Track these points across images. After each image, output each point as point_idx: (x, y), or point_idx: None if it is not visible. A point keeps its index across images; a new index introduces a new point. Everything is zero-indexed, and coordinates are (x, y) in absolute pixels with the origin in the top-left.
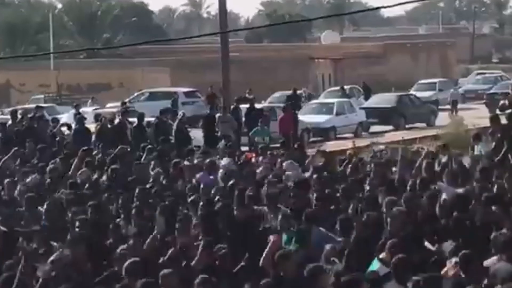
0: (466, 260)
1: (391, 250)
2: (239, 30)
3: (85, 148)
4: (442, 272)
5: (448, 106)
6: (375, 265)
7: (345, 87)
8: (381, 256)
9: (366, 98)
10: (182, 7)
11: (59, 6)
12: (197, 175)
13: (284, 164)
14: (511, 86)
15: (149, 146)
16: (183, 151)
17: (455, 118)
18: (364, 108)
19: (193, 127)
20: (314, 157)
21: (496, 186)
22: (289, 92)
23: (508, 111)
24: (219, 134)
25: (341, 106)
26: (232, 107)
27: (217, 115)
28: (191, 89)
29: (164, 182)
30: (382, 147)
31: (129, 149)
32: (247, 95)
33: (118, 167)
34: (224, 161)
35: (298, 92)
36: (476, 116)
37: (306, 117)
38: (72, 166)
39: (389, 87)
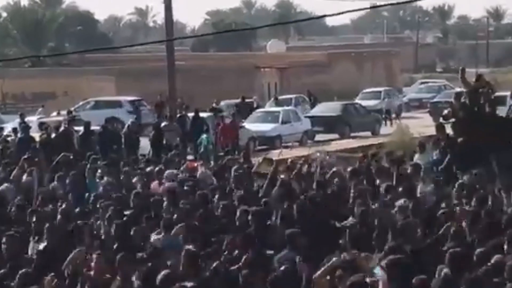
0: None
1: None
2: (184, 38)
3: (26, 156)
4: None
5: (393, 115)
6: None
7: (291, 96)
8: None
9: (313, 106)
10: (128, 16)
11: (4, 14)
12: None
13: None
14: (454, 95)
15: (94, 155)
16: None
17: (400, 127)
18: (309, 117)
19: (139, 136)
20: (260, 165)
21: None
22: (238, 101)
23: (452, 120)
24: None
25: (287, 115)
26: (178, 115)
27: (163, 123)
28: (136, 98)
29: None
30: (322, 155)
31: (71, 157)
32: (214, 104)
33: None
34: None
35: (248, 100)
36: (421, 124)
37: (252, 126)
38: (12, 174)
39: (335, 95)
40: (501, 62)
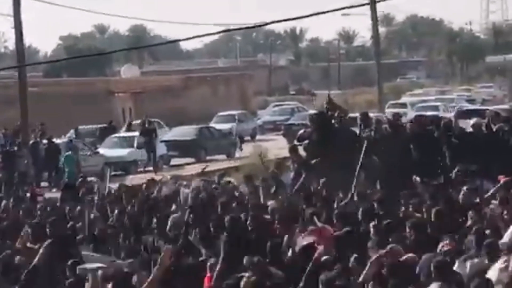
0: None
1: None
2: (37, 64)
3: None
4: None
5: (248, 138)
6: None
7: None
8: None
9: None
10: None
11: None
12: None
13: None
14: (308, 117)
15: None
16: None
17: (257, 149)
18: (164, 141)
19: None
20: (118, 191)
21: None
22: (104, 125)
23: (305, 142)
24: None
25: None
26: (31, 142)
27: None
28: None
29: None
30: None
31: None
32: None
33: None
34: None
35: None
36: (276, 147)
37: (108, 151)
38: None
39: (190, 120)
40: (351, 84)
